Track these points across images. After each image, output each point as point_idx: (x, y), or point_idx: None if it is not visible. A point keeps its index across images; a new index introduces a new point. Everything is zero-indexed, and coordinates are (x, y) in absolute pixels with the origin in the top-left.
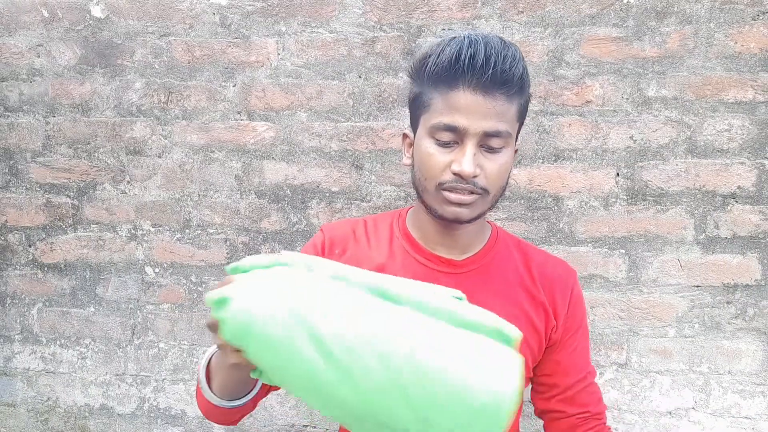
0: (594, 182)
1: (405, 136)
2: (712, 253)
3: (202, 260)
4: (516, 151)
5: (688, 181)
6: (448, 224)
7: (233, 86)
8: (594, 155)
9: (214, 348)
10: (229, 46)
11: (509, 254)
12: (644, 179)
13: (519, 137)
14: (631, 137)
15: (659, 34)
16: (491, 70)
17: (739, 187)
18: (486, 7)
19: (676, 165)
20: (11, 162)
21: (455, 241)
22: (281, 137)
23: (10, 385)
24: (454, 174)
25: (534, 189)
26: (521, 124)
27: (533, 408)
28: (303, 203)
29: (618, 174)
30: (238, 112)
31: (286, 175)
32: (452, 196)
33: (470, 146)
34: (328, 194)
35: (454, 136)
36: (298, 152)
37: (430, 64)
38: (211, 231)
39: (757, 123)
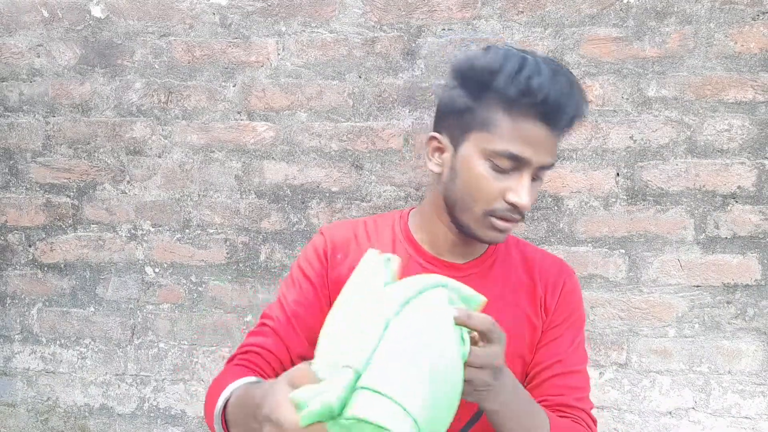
0: (594, 182)
1: (433, 138)
2: (712, 253)
3: (202, 260)
4: None
5: (688, 181)
6: (472, 239)
7: (233, 86)
8: (594, 155)
9: (232, 388)
10: (229, 46)
11: (509, 255)
12: (644, 179)
13: None
14: (631, 137)
15: (659, 34)
16: (571, 113)
17: (739, 187)
18: (486, 7)
19: (676, 165)
20: (11, 162)
21: (463, 248)
22: (281, 137)
23: (10, 385)
24: (509, 203)
25: None
26: None
27: None
28: (303, 203)
29: (618, 174)
30: (238, 112)
31: (286, 175)
32: (501, 224)
33: (527, 178)
34: (328, 194)
35: (513, 165)
36: (298, 152)
37: (502, 82)
38: (211, 231)
39: (757, 123)
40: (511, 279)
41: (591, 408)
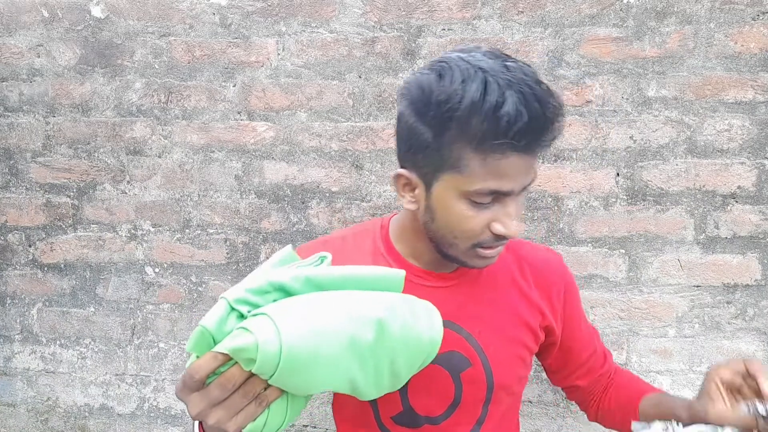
0: (594, 182)
1: (400, 176)
2: (712, 253)
3: (202, 260)
4: None
5: (688, 181)
6: None
7: (233, 86)
8: (594, 155)
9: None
10: (229, 46)
11: (500, 257)
12: (644, 179)
13: None
14: (631, 137)
15: (659, 34)
16: (548, 138)
17: (739, 187)
18: (486, 7)
19: (676, 165)
20: (11, 162)
21: (450, 261)
22: (281, 137)
23: (10, 385)
24: (496, 234)
25: (534, 189)
26: None
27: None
28: (303, 203)
29: (618, 174)
30: (238, 112)
31: (286, 175)
32: (487, 252)
33: (512, 206)
34: (328, 194)
35: (494, 197)
36: (298, 152)
37: (464, 118)
38: (211, 231)
39: (757, 123)
40: (501, 280)
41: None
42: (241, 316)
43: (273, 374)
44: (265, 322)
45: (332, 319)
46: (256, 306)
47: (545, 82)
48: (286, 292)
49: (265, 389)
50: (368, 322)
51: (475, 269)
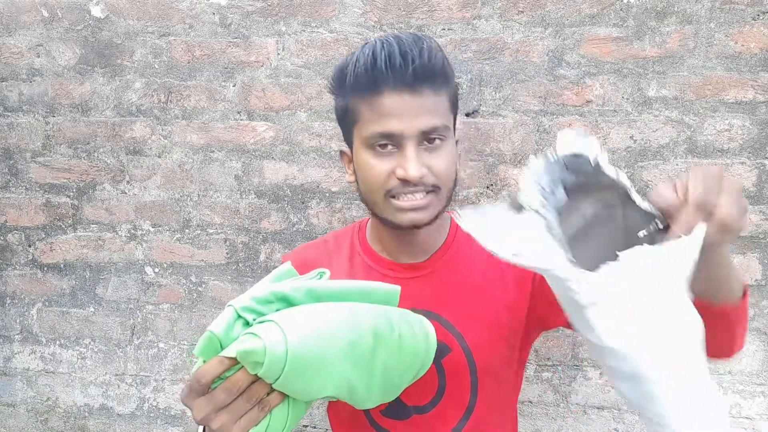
0: None
1: (342, 153)
2: None
3: (202, 260)
4: (457, 142)
5: None
6: (407, 231)
7: (233, 86)
8: None
9: None
10: (229, 46)
11: (470, 240)
12: (644, 179)
13: (457, 130)
14: (631, 137)
15: (659, 34)
16: (411, 66)
17: None
18: (486, 7)
19: (677, 165)
20: (11, 162)
21: (417, 245)
22: (281, 137)
23: (10, 385)
24: (400, 180)
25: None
26: (455, 115)
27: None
28: (303, 203)
29: None
30: (238, 112)
31: (286, 175)
32: (402, 202)
33: (411, 149)
34: (328, 194)
35: (392, 142)
36: (298, 152)
37: (348, 74)
38: (211, 231)
39: (757, 123)
40: (476, 263)
41: None
42: (247, 324)
43: (278, 377)
44: (271, 327)
45: (334, 325)
46: (261, 314)
47: (425, 36)
48: (288, 302)
49: (268, 394)
50: (367, 331)
51: (448, 255)
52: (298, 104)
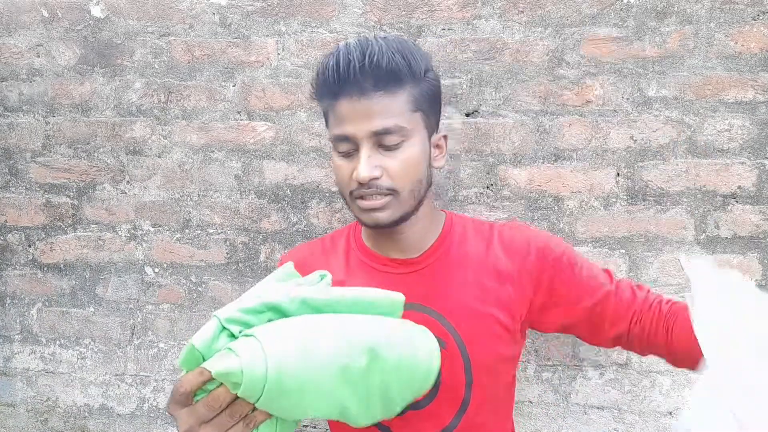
0: (594, 182)
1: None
2: (713, 253)
3: (202, 260)
4: (445, 137)
5: (689, 181)
6: (386, 229)
7: (233, 86)
8: (594, 155)
9: None
10: (229, 46)
11: (465, 237)
12: (644, 179)
13: (440, 126)
14: (631, 137)
15: (659, 34)
16: (352, 71)
17: (739, 187)
18: (486, 6)
19: (677, 165)
20: (11, 162)
21: (404, 242)
22: (281, 137)
23: (10, 385)
24: (356, 181)
25: (534, 189)
26: (428, 111)
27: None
28: (303, 203)
29: (618, 174)
30: (238, 112)
31: (286, 175)
32: (363, 203)
33: (363, 151)
34: (328, 194)
35: (350, 146)
36: (298, 152)
37: (316, 83)
38: (211, 231)
39: (757, 123)
40: (471, 260)
41: (614, 278)
42: (232, 336)
43: (259, 398)
44: (252, 345)
45: (323, 344)
46: (249, 325)
47: (392, 38)
48: (281, 312)
49: (253, 410)
50: (361, 350)
51: (441, 252)
52: (298, 104)
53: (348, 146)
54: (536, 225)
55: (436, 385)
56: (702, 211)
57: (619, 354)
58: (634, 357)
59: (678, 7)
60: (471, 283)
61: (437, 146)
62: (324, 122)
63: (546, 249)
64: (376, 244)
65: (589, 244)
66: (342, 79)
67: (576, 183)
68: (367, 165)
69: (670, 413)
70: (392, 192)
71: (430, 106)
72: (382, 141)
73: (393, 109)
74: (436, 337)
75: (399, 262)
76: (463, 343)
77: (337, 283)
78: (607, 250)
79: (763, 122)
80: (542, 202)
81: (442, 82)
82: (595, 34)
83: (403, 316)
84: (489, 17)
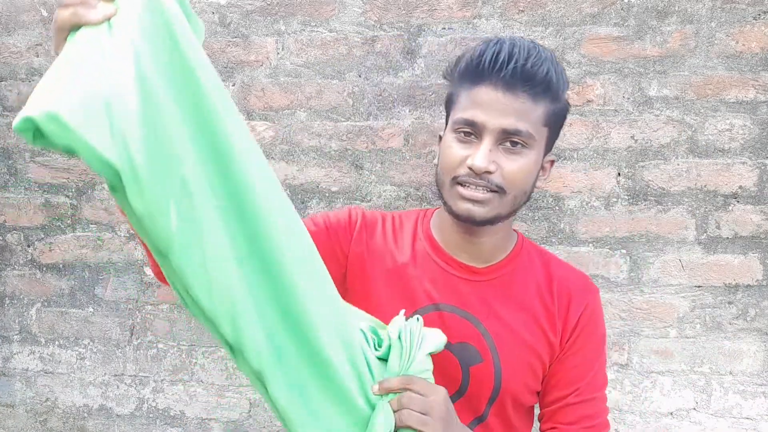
0: (595, 182)
1: (440, 138)
2: (714, 253)
3: None
4: (552, 162)
5: (690, 180)
6: (468, 228)
7: (233, 86)
8: (595, 155)
9: None
10: (229, 45)
11: (532, 265)
12: (645, 179)
13: (553, 147)
14: (632, 137)
15: (660, 33)
16: (512, 66)
17: (740, 187)
18: (486, 6)
19: (678, 165)
20: (10, 162)
21: (477, 249)
22: (281, 137)
23: (9, 386)
24: (469, 168)
25: (534, 189)
26: (552, 131)
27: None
28: (303, 203)
29: (619, 174)
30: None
31: (286, 175)
32: (464, 191)
33: (486, 141)
34: (327, 194)
35: (474, 132)
36: (298, 152)
37: (461, 64)
38: None
39: (758, 123)
40: (530, 290)
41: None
42: None
43: None
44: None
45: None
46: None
47: (545, 49)
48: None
49: None
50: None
51: (506, 272)
52: (298, 104)
53: (470, 132)
54: (537, 225)
55: (462, 392)
56: (703, 211)
57: (619, 354)
58: (635, 357)
59: (679, 7)
60: (525, 310)
61: (543, 168)
62: (445, 103)
63: (592, 322)
64: (448, 241)
65: (590, 244)
66: (498, 69)
67: (577, 183)
68: (487, 156)
69: (671, 414)
70: (499, 190)
71: (556, 126)
72: (507, 140)
73: (530, 115)
74: (475, 350)
75: (464, 267)
76: (500, 364)
77: (401, 267)
78: (608, 250)
79: (764, 122)
80: (543, 201)
81: (442, 81)
82: (595, 33)
83: (455, 320)
84: (489, 16)
